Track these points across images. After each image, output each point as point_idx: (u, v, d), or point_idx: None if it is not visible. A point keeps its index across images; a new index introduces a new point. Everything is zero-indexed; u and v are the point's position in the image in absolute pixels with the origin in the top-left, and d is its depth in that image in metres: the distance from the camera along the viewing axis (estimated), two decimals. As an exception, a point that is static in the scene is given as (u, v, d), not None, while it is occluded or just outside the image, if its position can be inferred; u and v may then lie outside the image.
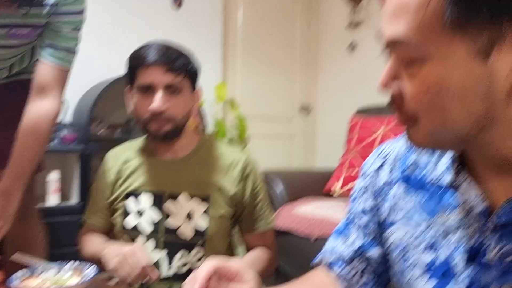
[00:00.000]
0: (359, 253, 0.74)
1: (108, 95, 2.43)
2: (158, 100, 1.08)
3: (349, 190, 2.26)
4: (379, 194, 0.71)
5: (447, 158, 0.60)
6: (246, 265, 0.64)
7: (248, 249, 1.26)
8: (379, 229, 0.72)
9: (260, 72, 3.41)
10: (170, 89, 1.10)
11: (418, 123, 0.51)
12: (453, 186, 0.58)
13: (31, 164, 1.12)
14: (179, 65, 1.10)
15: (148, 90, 1.10)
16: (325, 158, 3.52)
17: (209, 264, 0.58)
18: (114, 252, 1.00)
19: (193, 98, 1.18)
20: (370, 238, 0.73)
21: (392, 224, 0.68)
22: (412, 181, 0.65)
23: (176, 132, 1.15)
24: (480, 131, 0.49)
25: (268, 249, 1.24)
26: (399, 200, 0.67)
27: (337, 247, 0.77)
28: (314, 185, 2.38)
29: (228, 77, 3.27)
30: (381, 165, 0.71)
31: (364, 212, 0.74)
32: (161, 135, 1.13)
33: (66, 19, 1.16)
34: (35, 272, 0.88)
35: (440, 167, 0.61)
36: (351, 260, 0.74)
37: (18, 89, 1.33)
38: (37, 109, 1.15)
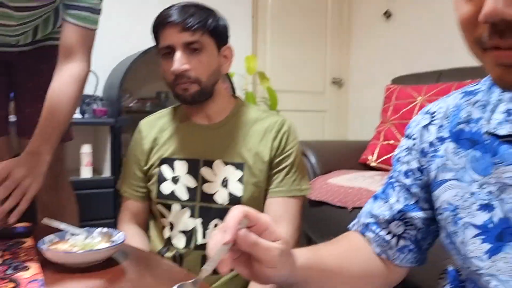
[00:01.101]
0: (399, 216, 0.69)
1: (138, 68, 2.42)
2: (177, 61, 1.04)
3: (385, 161, 2.18)
4: (426, 153, 0.65)
5: (502, 109, 0.55)
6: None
7: None
8: (423, 192, 0.67)
9: (290, 44, 3.33)
10: (189, 48, 1.06)
11: None
12: (510, 138, 0.52)
13: (60, 127, 1.10)
14: (195, 22, 1.04)
15: (170, 52, 1.07)
16: (358, 132, 3.43)
17: (238, 210, 0.52)
18: None
19: (220, 57, 1.12)
20: (413, 202, 0.68)
21: (441, 183, 0.62)
22: (464, 138, 0.60)
23: (204, 94, 1.10)
24: None
25: (289, 224, 1.11)
26: (449, 159, 0.61)
27: (374, 209, 0.72)
28: (348, 157, 2.31)
29: (258, 50, 3.21)
30: (428, 124, 0.66)
31: (407, 174, 0.69)
32: (188, 98, 1.09)
33: None
34: (64, 237, 0.86)
35: (494, 119, 0.55)
36: (388, 222, 0.70)
37: (46, 57, 1.31)
38: (64, 72, 1.13)
